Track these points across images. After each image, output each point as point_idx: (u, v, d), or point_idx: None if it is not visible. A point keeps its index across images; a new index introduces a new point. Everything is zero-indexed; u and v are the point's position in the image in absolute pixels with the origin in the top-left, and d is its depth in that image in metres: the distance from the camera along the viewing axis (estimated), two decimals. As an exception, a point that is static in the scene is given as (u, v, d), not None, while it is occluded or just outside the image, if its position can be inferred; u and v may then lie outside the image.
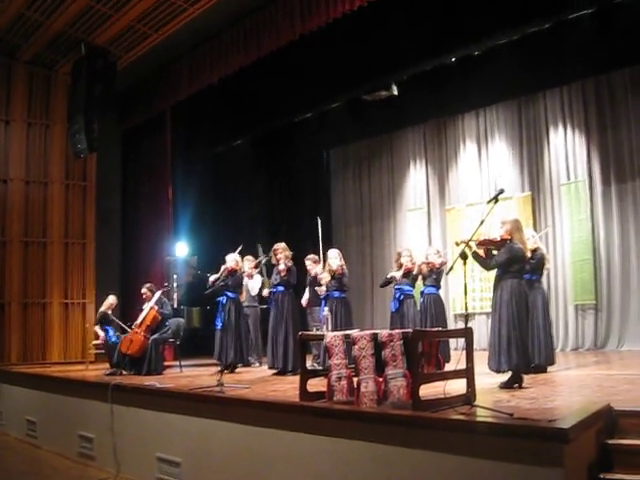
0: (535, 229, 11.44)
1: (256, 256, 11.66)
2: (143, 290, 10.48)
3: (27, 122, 13.85)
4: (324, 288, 9.55)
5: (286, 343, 9.44)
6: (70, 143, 13.18)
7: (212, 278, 10.31)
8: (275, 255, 10.01)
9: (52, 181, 13.97)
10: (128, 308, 12.94)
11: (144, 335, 9.93)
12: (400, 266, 10.18)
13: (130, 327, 10.34)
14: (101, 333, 11.07)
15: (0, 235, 13.37)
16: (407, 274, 10.10)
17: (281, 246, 10.02)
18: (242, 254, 10.87)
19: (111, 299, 11.47)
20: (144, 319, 10.08)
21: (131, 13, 11.63)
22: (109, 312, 11.30)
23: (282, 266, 9.77)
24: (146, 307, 10.26)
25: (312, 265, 10.04)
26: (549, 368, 8.31)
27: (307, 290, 10.44)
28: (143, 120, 14.26)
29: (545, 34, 10.52)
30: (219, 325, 9.97)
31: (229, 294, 10.16)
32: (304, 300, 10.43)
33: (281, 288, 9.83)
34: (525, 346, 6.75)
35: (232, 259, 10.38)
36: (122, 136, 15.24)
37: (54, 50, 13.26)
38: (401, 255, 10.28)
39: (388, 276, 10.41)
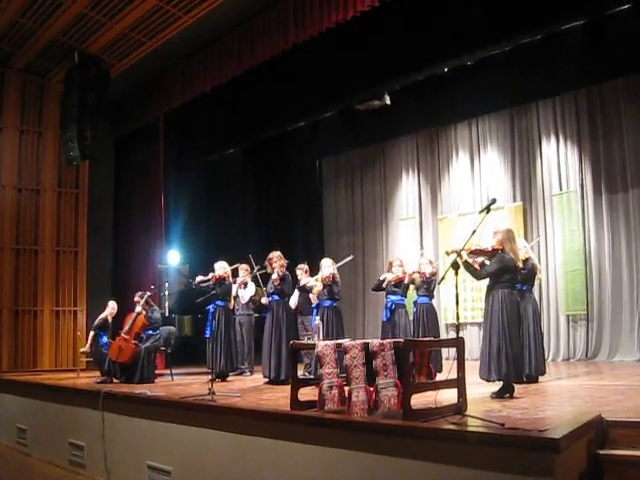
0: (526, 239, 11.47)
1: (251, 265, 11.59)
2: (136, 298, 10.45)
3: (20, 129, 13.83)
4: (315, 296, 9.53)
5: (279, 352, 9.44)
6: (63, 151, 13.18)
7: (199, 278, 10.32)
8: (270, 264, 10.01)
9: (44, 189, 13.95)
10: (120, 316, 12.89)
11: (133, 342, 9.91)
12: (392, 275, 10.21)
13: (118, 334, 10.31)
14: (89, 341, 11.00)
15: (-9, 242, 13.34)
16: (398, 284, 10.11)
17: (276, 255, 10.02)
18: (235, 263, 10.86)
19: (112, 305, 11.41)
20: (133, 326, 10.06)
21: (125, 21, 11.63)
22: (110, 318, 11.24)
23: (275, 275, 9.78)
24: (133, 313, 10.23)
25: (303, 275, 10.04)
26: (540, 378, 8.32)
27: (296, 294, 10.39)
28: (136, 128, 14.25)
29: (538, 45, 10.58)
30: (208, 334, 9.95)
31: (218, 302, 10.15)
32: (292, 303, 10.39)
33: (276, 297, 9.85)
34: (516, 356, 6.75)
35: (221, 267, 10.38)
36: (115, 144, 15.23)
37: (47, 58, 13.25)
38: (392, 264, 10.29)
39: (381, 278, 10.41)
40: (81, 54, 12.64)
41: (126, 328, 10.08)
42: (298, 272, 10.11)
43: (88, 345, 11.00)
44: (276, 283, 9.79)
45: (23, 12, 11.59)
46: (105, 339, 10.88)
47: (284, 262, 9.96)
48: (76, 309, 14.02)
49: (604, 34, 10.10)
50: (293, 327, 9.93)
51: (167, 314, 13.31)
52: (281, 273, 9.83)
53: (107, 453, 7.73)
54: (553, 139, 12.72)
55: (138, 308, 10.23)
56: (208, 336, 9.79)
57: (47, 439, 9.29)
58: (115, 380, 9.78)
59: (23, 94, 13.92)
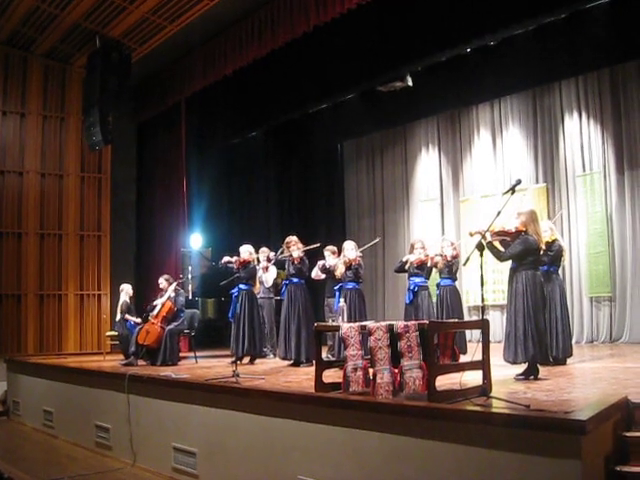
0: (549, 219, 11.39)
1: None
2: (160, 280, 10.53)
3: (42, 115, 13.94)
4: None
5: (299, 334, 9.44)
6: (85, 136, 13.27)
7: (225, 259, 10.31)
8: (288, 248, 10.01)
9: (67, 174, 14.07)
10: (143, 299, 12.99)
11: (160, 326, 9.99)
12: (414, 257, 10.19)
13: (147, 318, 10.39)
14: (137, 319, 11.11)
15: (16, 227, 13.47)
16: (421, 266, 10.10)
17: (293, 239, 10.02)
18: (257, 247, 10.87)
19: (128, 288, 11.54)
20: (160, 310, 10.14)
21: (146, 5, 11.65)
22: (129, 301, 11.41)
23: (296, 254, 9.77)
24: (162, 298, 10.31)
25: (330, 256, 10.01)
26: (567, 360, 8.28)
27: (317, 267, 10.29)
28: (158, 112, 14.28)
29: (561, 24, 10.46)
30: (232, 317, 9.99)
31: (242, 286, 10.14)
32: (314, 274, 10.33)
33: (295, 280, 9.83)
34: (541, 337, 6.71)
35: (245, 250, 10.36)
36: (137, 128, 15.29)
37: (69, 43, 13.31)
38: (414, 246, 10.27)
39: (403, 259, 10.39)
40: (102, 39, 12.68)
41: (154, 312, 10.17)
42: (326, 253, 10.09)
43: (135, 321, 11.09)
44: (296, 262, 9.79)
45: (45, -3, 11.65)
46: (131, 322, 11.02)
47: (301, 245, 9.96)
48: (100, 293, 14.16)
49: (627, 13, 9.95)
50: (312, 309, 9.92)
51: (190, 297, 13.38)
52: (301, 253, 9.83)
53: (133, 435, 7.80)
54: (576, 119, 12.60)
55: (167, 294, 10.30)
56: (232, 319, 9.85)
57: (73, 421, 9.40)
58: (141, 362, 9.86)
59: (45, 80, 14.02)
